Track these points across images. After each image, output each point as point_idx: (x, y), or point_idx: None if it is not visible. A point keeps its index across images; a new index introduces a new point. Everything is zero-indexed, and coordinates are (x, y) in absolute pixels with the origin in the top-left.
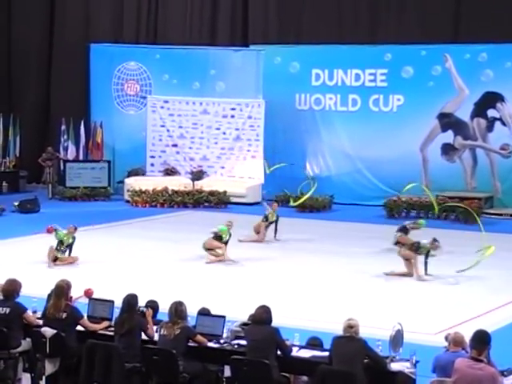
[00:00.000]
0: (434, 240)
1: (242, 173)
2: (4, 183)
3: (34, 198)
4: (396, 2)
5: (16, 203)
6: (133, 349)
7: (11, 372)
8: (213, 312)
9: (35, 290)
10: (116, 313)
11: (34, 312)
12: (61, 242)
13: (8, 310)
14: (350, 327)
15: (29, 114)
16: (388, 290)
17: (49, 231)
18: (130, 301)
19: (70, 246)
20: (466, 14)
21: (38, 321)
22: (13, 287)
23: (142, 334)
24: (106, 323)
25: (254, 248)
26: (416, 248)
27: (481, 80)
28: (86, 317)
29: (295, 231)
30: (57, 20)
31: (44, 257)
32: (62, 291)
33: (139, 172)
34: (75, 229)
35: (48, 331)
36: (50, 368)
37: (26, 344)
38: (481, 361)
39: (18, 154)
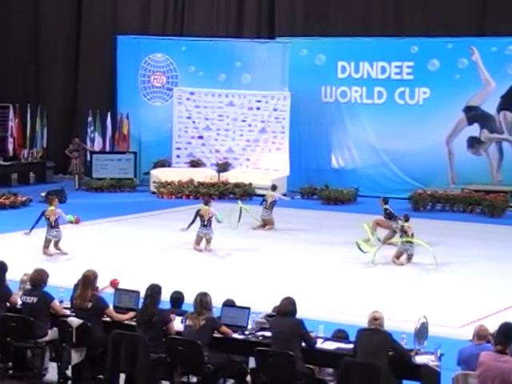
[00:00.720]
0: (405, 217)
1: (268, 165)
2: (31, 174)
3: (60, 188)
4: None
5: (43, 194)
6: (158, 339)
7: (38, 361)
8: (237, 303)
9: (61, 280)
10: (141, 303)
11: (61, 302)
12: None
13: (36, 300)
14: (375, 319)
15: (56, 105)
16: (413, 282)
17: (76, 222)
18: (153, 290)
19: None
20: (492, 7)
21: (64, 310)
22: (40, 277)
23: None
24: (131, 314)
25: (276, 239)
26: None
27: (507, 73)
28: (111, 307)
29: (320, 223)
30: (84, 12)
31: (69, 247)
32: (88, 281)
33: (165, 163)
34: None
35: (74, 321)
36: (76, 357)
37: (52, 333)
38: (506, 354)
39: (45, 145)
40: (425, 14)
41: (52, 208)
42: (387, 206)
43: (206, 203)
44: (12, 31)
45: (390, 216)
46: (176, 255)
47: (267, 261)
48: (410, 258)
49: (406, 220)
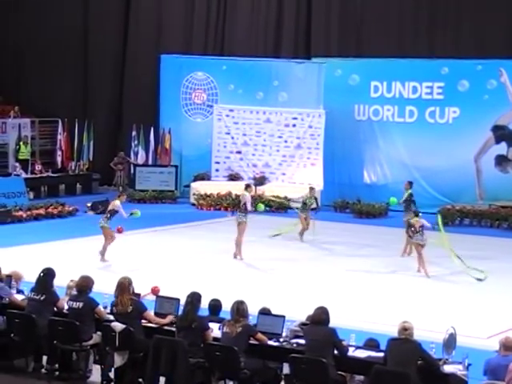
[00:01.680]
0: (415, 213)
1: (302, 179)
2: (78, 185)
3: (105, 199)
4: (453, 17)
5: (88, 204)
6: (197, 345)
7: (83, 363)
8: (273, 312)
9: (106, 287)
10: (181, 310)
11: (105, 307)
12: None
13: (81, 305)
14: (405, 330)
15: (102, 120)
16: (442, 293)
17: (119, 231)
18: (194, 297)
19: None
20: None
21: (108, 315)
22: (86, 283)
23: None
24: (170, 317)
25: (306, 250)
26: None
27: None
28: (151, 311)
29: (352, 235)
30: (130, 31)
31: (113, 255)
32: (124, 287)
33: (205, 177)
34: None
35: (117, 326)
36: (118, 360)
37: (97, 337)
38: None
39: (91, 158)
40: (455, 36)
41: (116, 202)
42: (411, 192)
43: (246, 188)
44: (61, 49)
45: (408, 204)
46: (214, 264)
47: (302, 271)
48: (419, 248)
49: (416, 215)
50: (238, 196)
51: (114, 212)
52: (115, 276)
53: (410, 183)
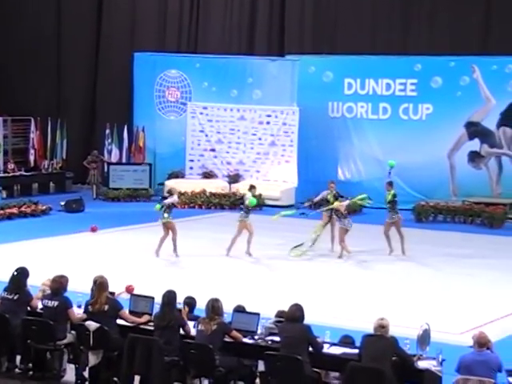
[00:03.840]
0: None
1: (277, 177)
2: (51, 184)
3: (79, 198)
4: (426, 13)
5: (62, 203)
6: (172, 343)
7: (57, 363)
8: (248, 309)
9: (80, 286)
10: (156, 308)
11: (79, 307)
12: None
13: (56, 304)
14: (382, 327)
15: (75, 118)
16: (416, 289)
17: (93, 230)
18: (170, 296)
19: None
20: (494, 27)
21: (79, 318)
22: (61, 282)
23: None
24: (146, 317)
25: (281, 248)
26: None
27: (507, 90)
28: (127, 311)
29: (326, 233)
30: (103, 29)
31: (87, 253)
32: (103, 286)
33: (179, 175)
34: None
35: (92, 325)
36: (93, 360)
37: (71, 336)
38: None
39: (64, 156)
40: (429, 32)
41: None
42: (395, 192)
43: (250, 189)
44: (34, 47)
45: (392, 205)
46: (189, 262)
47: (276, 268)
48: (344, 232)
49: (336, 199)
50: (212, 194)
51: (173, 206)
52: (89, 275)
53: (391, 183)
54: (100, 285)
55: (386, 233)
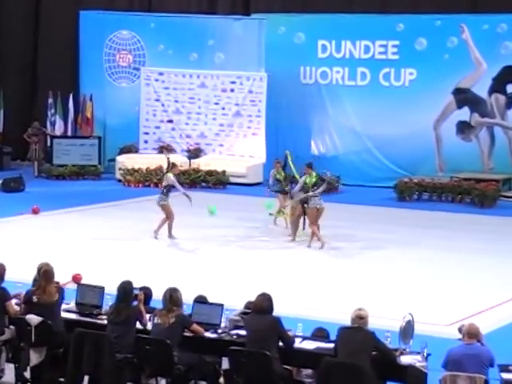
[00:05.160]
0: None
1: (243, 151)
2: None
3: (18, 176)
4: None
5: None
6: (127, 338)
7: None
8: (210, 300)
9: (19, 275)
10: (106, 300)
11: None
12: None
13: None
14: (360, 318)
15: (14, 86)
16: (398, 277)
17: (35, 212)
18: (127, 288)
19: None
20: None
21: (18, 310)
22: None
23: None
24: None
25: (250, 230)
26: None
27: (500, 53)
28: (74, 303)
29: None
30: None
31: (27, 238)
32: (50, 275)
33: (132, 149)
34: None
35: (33, 319)
36: (35, 358)
37: (9, 332)
38: None
39: (1, 129)
40: None
41: (169, 175)
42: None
43: (172, 168)
44: None
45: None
46: (143, 248)
47: (241, 254)
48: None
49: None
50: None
51: (170, 187)
52: (30, 262)
53: (311, 165)
54: (45, 273)
55: (314, 223)
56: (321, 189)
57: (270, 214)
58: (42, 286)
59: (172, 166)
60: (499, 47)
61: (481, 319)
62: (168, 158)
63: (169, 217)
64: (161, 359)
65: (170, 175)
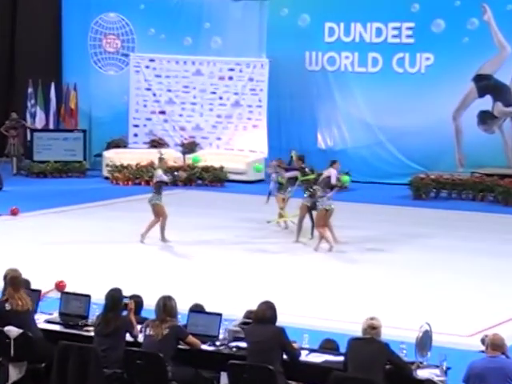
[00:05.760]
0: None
1: (242, 145)
2: None
3: None
4: None
5: None
6: (115, 352)
7: None
8: (207, 309)
9: None
10: (93, 309)
11: None
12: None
13: None
14: (373, 328)
15: None
16: (413, 283)
17: (13, 213)
18: (115, 296)
19: None
20: None
21: None
22: None
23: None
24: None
25: (253, 231)
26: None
27: None
28: (58, 313)
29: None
30: None
31: (5, 242)
32: (19, 281)
33: (120, 144)
34: None
35: (12, 331)
36: (14, 374)
37: None
38: None
39: None
40: None
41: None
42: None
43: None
44: None
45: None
46: (133, 252)
47: (240, 258)
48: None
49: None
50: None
51: (162, 184)
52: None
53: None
54: (12, 280)
55: (322, 225)
56: (331, 193)
57: (268, 222)
58: (11, 294)
59: (159, 160)
60: None
61: (506, 329)
62: (160, 154)
63: (161, 218)
64: (153, 374)
65: (159, 171)
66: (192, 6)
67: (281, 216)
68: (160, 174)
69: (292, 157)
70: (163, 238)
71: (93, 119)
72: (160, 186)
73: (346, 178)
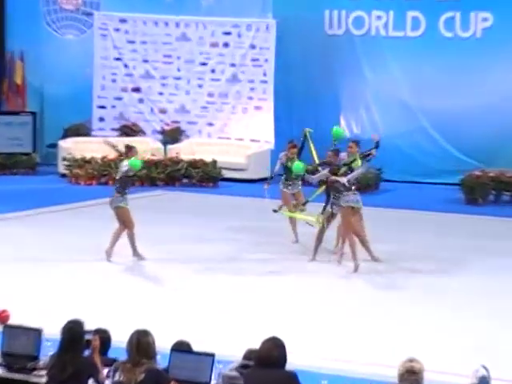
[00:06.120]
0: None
1: (241, 133)
2: None
3: None
4: None
5: None
6: None
7: None
8: (195, 347)
9: None
10: (46, 347)
11: None
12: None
13: None
14: (413, 372)
15: None
16: (464, 314)
17: None
18: (75, 331)
19: None
20: None
21: None
22: None
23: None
24: None
25: (254, 251)
26: None
27: None
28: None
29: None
30: None
31: None
32: None
33: (82, 130)
34: None
35: None
36: None
37: None
38: None
39: None
40: None
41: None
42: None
43: (127, 152)
44: None
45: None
46: (97, 273)
47: (237, 282)
48: None
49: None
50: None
51: (127, 180)
52: None
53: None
54: None
55: (349, 229)
56: (356, 173)
57: (275, 211)
58: None
59: (128, 151)
60: None
61: None
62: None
63: (127, 226)
64: None
65: (124, 162)
66: None
67: (296, 206)
68: (125, 166)
69: (306, 136)
70: (135, 253)
71: (45, 98)
72: (125, 183)
73: (298, 166)
